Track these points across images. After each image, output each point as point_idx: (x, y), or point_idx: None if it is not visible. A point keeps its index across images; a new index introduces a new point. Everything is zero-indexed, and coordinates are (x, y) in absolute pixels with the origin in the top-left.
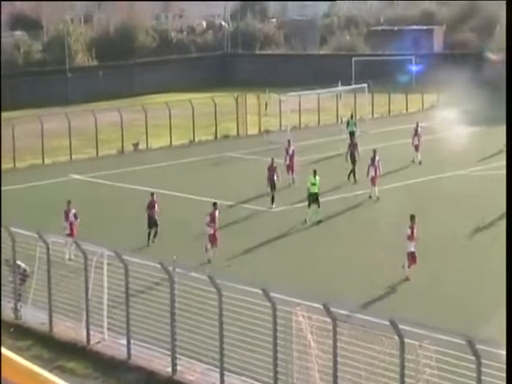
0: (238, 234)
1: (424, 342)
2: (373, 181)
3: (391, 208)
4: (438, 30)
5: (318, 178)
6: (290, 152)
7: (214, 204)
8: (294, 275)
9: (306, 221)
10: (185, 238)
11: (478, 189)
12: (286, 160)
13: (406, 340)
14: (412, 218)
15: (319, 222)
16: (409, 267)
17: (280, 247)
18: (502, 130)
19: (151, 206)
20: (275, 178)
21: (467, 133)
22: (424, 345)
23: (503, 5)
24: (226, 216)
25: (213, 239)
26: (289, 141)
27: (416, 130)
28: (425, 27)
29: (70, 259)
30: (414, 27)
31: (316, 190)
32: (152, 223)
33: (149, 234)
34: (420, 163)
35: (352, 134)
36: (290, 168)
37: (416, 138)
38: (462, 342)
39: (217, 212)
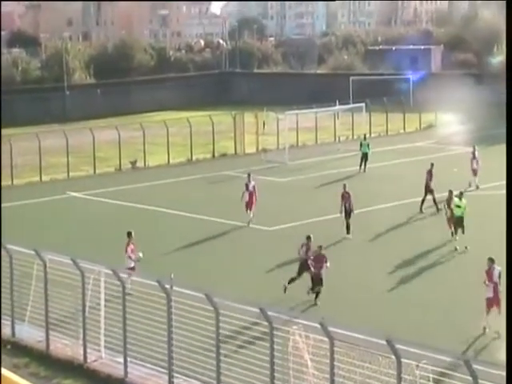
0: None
1: (421, 362)
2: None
3: None
4: (436, 49)
5: (464, 200)
6: (251, 187)
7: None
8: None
9: (455, 249)
10: (184, 255)
11: None
12: (243, 196)
13: (403, 360)
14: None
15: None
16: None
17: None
18: (500, 149)
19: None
20: (347, 205)
21: (465, 153)
22: (421, 365)
23: (502, 27)
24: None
25: None
26: (249, 175)
27: (473, 154)
28: (422, 47)
29: (128, 293)
30: (412, 47)
31: (460, 214)
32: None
33: None
34: (477, 187)
35: (365, 155)
36: (249, 205)
37: (474, 162)
38: (459, 363)
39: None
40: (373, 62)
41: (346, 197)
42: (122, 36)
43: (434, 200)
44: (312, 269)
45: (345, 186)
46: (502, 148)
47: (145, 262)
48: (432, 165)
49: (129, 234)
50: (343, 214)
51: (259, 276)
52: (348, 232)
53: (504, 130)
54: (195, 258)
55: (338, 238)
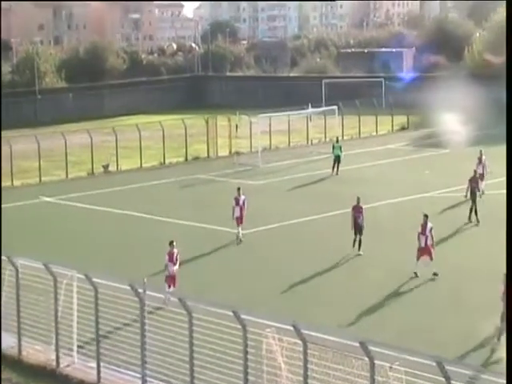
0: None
1: (394, 364)
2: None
3: None
4: (408, 52)
5: None
6: (241, 202)
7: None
8: None
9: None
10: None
11: None
12: (234, 211)
13: (377, 361)
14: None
15: None
16: None
17: None
18: (472, 151)
19: None
20: (359, 220)
21: (437, 155)
22: (394, 366)
23: (473, 29)
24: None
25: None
26: (239, 189)
27: (480, 159)
28: (394, 50)
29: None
30: (384, 49)
31: None
32: None
33: None
34: (483, 193)
35: (337, 158)
36: (240, 220)
37: (480, 167)
38: (432, 364)
39: None
40: (345, 65)
41: (357, 210)
42: (93, 40)
43: (473, 210)
44: None
45: (358, 199)
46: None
47: (119, 266)
48: (482, 174)
49: (170, 243)
50: (353, 230)
51: (233, 279)
52: (359, 248)
53: (476, 133)
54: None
55: (313, 239)
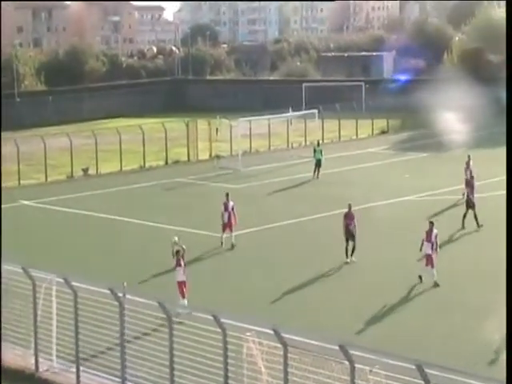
0: None
1: (374, 367)
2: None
3: None
4: (388, 56)
5: None
6: (230, 208)
7: None
8: None
9: None
10: (142, 263)
11: None
12: (223, 217)
13: (357, 365)
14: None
15: None
16: None
17: None
18: (450, 155)
19: None
20: (351, 227)
21: (416, 158)
22: (374, 370)
23: (453, 33)
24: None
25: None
26: (227, 194)
27: (467, 164)
28: (375, 53)
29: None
30: (364, 53)
31: None
32: None
33: None
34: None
35: (318, 161)
36: (228, 226)
37: (468, 172)
38: (412, 367)
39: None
40: (325, 69)
41: (349, 218)
42: (73, 42)
43: (466, 216)
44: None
45: (350, 205)
46: (453, 154)
47: (99, 270)
48: (472, 177)
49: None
50: (345, 237)
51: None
52: (352, 254)
53: (453, 136)
54: (150, 266)
55: (291, 242)
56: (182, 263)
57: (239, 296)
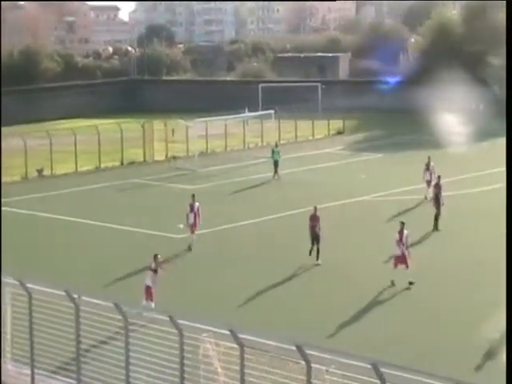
0: None
1: (331, 367)
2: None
3: None
4: (344, 57)
5: None
6: (195, 209)
7: None
8: None
9: None
10: (95, 264)
11: None
12: (188, 218)
13: (313, 365)
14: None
15: None
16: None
17: None
18: (404, 156)
19: None
20: (316, 229)
21: (372, 159)
22: (331, 369)
23: (408, 35)
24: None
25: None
26: (193, 195)
27: (427, 165)
28: (330, 54)
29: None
30: (320, 54)
31: None
32: None
33: None
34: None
35: (276, 163)
36: (194, 227)
37: (428, 173)
38: (367, 366)
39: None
40: (281, 69)
41: (314, 219)
42: (27, 42)
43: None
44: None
45: (315, 208)
46: (407, 155)
47: (54, 271)
48: (439, 177)
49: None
50: (310, 239)
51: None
52: (317, 257)
53: (408, 137)
54: (107, 267)
55: (251, 242)
56: (156, 269)
57: (207, 297)
